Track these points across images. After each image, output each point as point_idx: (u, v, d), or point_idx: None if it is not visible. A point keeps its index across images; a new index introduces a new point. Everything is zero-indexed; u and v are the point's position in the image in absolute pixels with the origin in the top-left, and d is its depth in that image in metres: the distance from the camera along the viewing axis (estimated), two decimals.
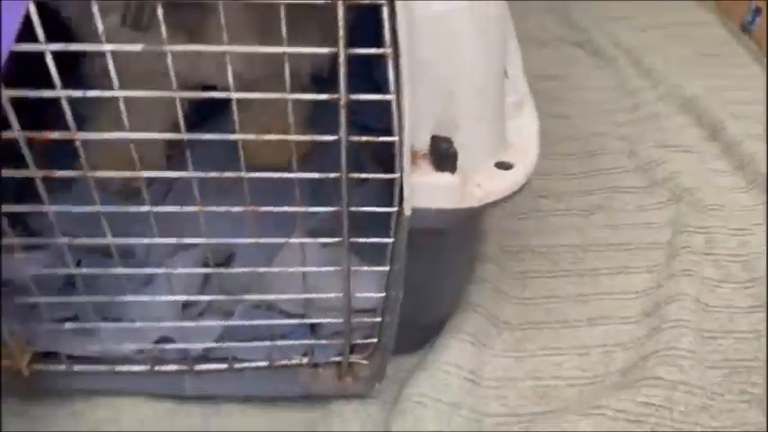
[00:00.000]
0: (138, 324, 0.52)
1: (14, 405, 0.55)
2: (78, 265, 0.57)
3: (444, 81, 0.38)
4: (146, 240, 0.45)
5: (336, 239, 0.46)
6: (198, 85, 0.58)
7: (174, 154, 0.67)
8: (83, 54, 0.55)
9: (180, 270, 0.53)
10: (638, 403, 0.55)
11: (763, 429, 0.55)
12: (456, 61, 0.38)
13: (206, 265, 0.60)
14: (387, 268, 0.48)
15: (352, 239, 0.46)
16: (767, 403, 0.57)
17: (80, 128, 0.61)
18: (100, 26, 0.36)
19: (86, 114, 0.64)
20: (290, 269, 0.50)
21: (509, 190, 0.42)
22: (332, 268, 0.51)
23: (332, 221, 0.50)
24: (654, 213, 0.77)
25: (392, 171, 0.56)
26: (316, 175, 0.42)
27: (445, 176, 0.40)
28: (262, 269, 0.49)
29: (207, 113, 0.65)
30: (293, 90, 0.70)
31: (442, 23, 0.36)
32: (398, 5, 0.34)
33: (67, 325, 0.51)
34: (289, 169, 0.66)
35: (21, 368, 0.51)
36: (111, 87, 0.40)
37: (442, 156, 0.39)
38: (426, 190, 0.40)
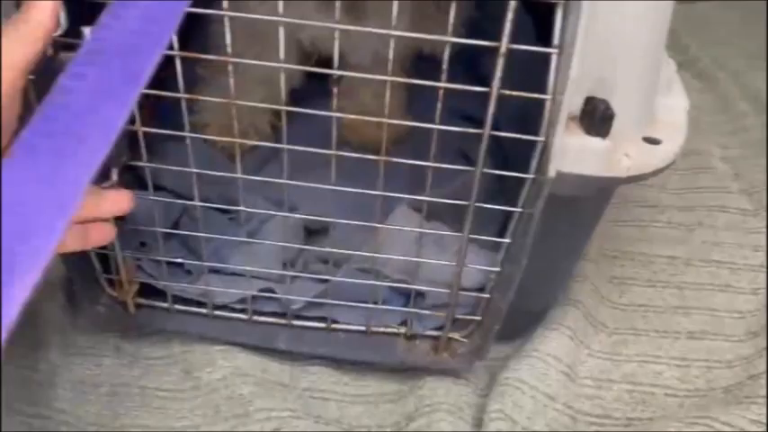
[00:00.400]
0: (244, 268, 0.52)
1: (113, 339, 0.56)
2: (182, 216, 0.57)
3: (610, 38, 0.37)
4: (277, 180, 0.45)
5: (463, 202, 0.45)
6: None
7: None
8: None
9: (295, 216, 0.53)
10: (748, 420, 0.52)
11: None
12: (625, 19, 0.37)
13: (306, 230, 0.61)
14: (507, 240, 0.47)
15: (478, 204, 0.45)
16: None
17: (194, 88, 0.62)
18: None
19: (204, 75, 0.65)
20: (406, 228, 0.49)
21: (657, 165, 0.40)
22: (448, 233, 0.50)
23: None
24: (760, 237, 0.73)
25: (507, 160, 0.55)
26: (458, 129, 0.41)
27: (595, 140, 0.38)
28: (376, 224, 0.48)
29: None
30: (395, 71, 0.68)
31: None
32: None
33: (178, 260, 0.51)
34: (391, 147, 0.66)
35: (126, 300, 0.52)
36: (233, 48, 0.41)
37: (597, 117, 0.37)
38: (574, 153, 0.39)
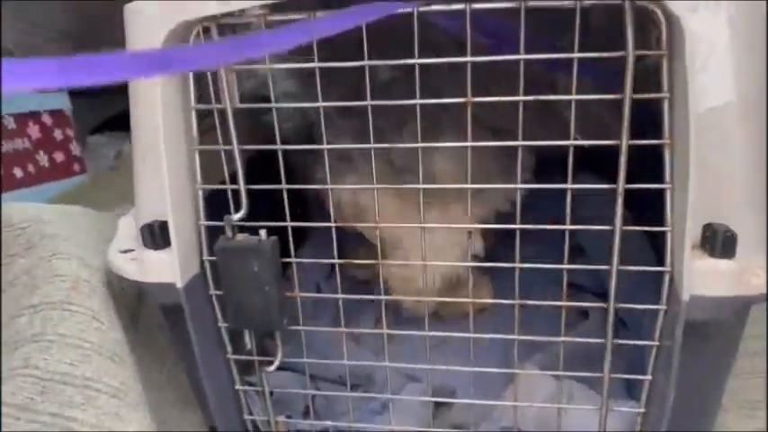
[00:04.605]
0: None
1: None
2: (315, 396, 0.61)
3: (718, 170, 0.41)
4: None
5: (599, 340, 0.47)
6: None
7: None
8: None
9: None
10: None
11: None
12: (727, 151, 0.41)
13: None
14: (648, 377, 0.47)
15: (616, 341, 0.46)
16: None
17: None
18: None
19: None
20: (547, 404, 0.50)
21: None
22: (589, 407, 0.50)
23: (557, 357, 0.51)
24: None
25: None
26: (587, 267, 0.44)
27: (723, 263, 0.41)
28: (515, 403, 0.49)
29: None
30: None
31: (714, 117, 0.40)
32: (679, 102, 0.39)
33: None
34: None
35: None
36: None
37: (721, 241, 0.40)
38: (703, 277, 0.41)
